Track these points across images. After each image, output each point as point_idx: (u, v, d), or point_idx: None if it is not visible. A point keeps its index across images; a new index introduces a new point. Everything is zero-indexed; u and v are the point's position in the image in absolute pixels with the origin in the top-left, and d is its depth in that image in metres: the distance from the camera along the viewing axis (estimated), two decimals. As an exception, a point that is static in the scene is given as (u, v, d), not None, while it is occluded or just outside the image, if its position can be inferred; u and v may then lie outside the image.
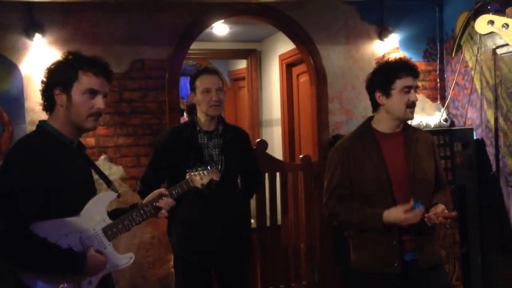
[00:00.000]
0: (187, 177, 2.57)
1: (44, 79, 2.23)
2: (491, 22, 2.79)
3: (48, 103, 2.23)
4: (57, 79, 2.19)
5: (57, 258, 2.07)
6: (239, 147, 3.30)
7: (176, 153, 3.15)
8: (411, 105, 2.77)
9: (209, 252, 3.18)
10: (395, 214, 2.64)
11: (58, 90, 2.18)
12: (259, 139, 4.92)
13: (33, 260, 2.04)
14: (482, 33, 3.96)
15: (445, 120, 4.82)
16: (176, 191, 2.49)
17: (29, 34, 4.08)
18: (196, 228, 3.16)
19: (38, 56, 4.11)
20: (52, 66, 2.23)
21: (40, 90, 2.25)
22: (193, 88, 3.23)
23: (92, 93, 2.20)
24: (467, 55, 4.70)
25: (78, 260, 2.10)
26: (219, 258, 3.22)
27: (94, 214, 2.22)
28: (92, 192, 2.31)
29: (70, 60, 2.22)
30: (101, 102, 2.22)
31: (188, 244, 3.21)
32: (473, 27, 4.53)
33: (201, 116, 3.23)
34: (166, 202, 2.40)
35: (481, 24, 2.77)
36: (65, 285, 2.00)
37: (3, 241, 2.02)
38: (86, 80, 2.18)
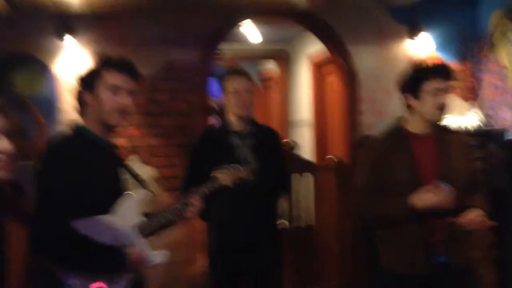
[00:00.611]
0: (214, 175, 2.60)
1: (78, 87, 2.30)
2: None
3: (81, 107, 2.29)
4: (85, 82, 2.28)
5: (101, 255, 2.11)
6: (270, 147, 3.31)
7: (209, 154, 3.15)
8: (441, 107, 2.72)
9: (242, 254, 3.18)
10: (425, 198, 2.57)
11: (86, 92, 2.26)
12: (286, 139, 4.90)
13: (77, 258, 2.08)
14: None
15: (479, 120, 4.74)
16: (205, 189, 2.52)
17: (60, 36, 4.14)
18: (230, 230, 3.17)
19: (70, 57, 4.17)
20: (82, 73, 2.32)
21: (75, 98, 2.31)
22: (222, 90, 3.24)
23: (115, 89, 2.24)
24: (501, 54, 4.61)
25: (121, 257, 2.13)
26: (252, 260, 3.22)
27: (128, 212, 2.24)
28: (122, 191, 2.34)
29: (96, 62, 2.31)
30: (124, 99, 2.25)
31: (221, 246, 3.22)
32: (507, 25, 4.46)
33: (231, 117, 3.24)
34: (194, 199, 2.42)
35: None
36: (101, 281, 2.02)
37: (47, 240, 2.06)
38: (109, 77, 2.24)
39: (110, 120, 2.26)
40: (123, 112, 2.27)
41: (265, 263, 3.27)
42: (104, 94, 2.23)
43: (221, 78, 3.28)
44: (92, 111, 2.25)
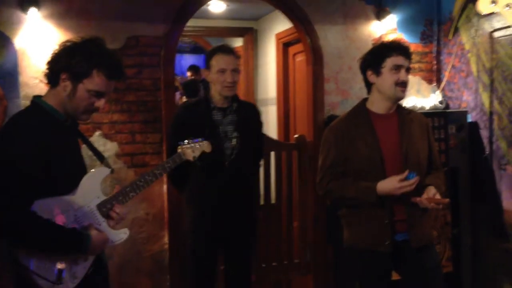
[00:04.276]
0: (179, 150, 2.59)
1: (56, 55, 2.17)
2: (494, 2, 2.79)
3: (52, 79, 2.18)
4: (68, 65, 2.13)
5: (62, 238, 2.08)
6: (252, 123, 3.34)
7: (191, 129, 3.07)
8: (402, 84, 2.79)
9: (218, 230, 3.19)
10: (389, 183, 2.67)
11: (65, 75, 2.13)
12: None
13: (37, 239, 2.03)
14: (484, 12, 3.95)
15: (440, 103, 4.83)
16: (168, 164, 2.50)
17: (24, 8, 4.03)
18: (209, 205, 3.16)
19: (33, 30, 4.07)
20: (68, 46, 2.17)
21: (48, 62, 2.19)
22: (208, 66, 3.21)
23: (98, 95, 2.18)
24: (464, 37, 4.69)
25: (83, 239, 2.11)
26: (227, 236, 3.23)
27: (89, 191, 2.22)
28: (83, 169, 2.30)
29: (89, 52, 2.14)
30: (102, 103, 2.21)
31: (198, 221, 3.22)
32: (471, 9, 4.52)
33: (215, 94, 3.22)
34: (117, 207, 2.29)
35: (484, 4, 2.76)
36: (62, 263, 2.00)
37: (7, 218, 1.99)
38: (97, 81, 2.15)
39: (79, 117, 2.22)
40: (94, 111, 2.23)
41: (240, 242, 3.30)
42: (85, 95, 2.14)
43: (208, 54, 3.24)
44: (63, 96, 2.15)
